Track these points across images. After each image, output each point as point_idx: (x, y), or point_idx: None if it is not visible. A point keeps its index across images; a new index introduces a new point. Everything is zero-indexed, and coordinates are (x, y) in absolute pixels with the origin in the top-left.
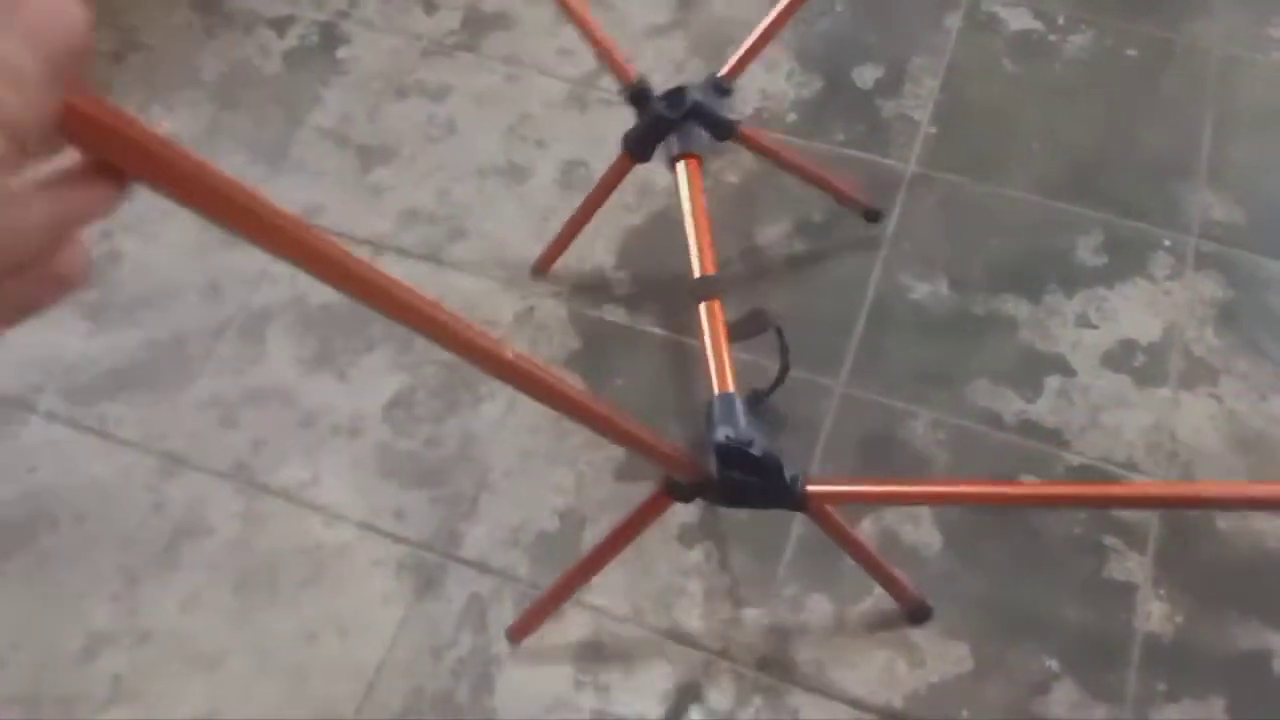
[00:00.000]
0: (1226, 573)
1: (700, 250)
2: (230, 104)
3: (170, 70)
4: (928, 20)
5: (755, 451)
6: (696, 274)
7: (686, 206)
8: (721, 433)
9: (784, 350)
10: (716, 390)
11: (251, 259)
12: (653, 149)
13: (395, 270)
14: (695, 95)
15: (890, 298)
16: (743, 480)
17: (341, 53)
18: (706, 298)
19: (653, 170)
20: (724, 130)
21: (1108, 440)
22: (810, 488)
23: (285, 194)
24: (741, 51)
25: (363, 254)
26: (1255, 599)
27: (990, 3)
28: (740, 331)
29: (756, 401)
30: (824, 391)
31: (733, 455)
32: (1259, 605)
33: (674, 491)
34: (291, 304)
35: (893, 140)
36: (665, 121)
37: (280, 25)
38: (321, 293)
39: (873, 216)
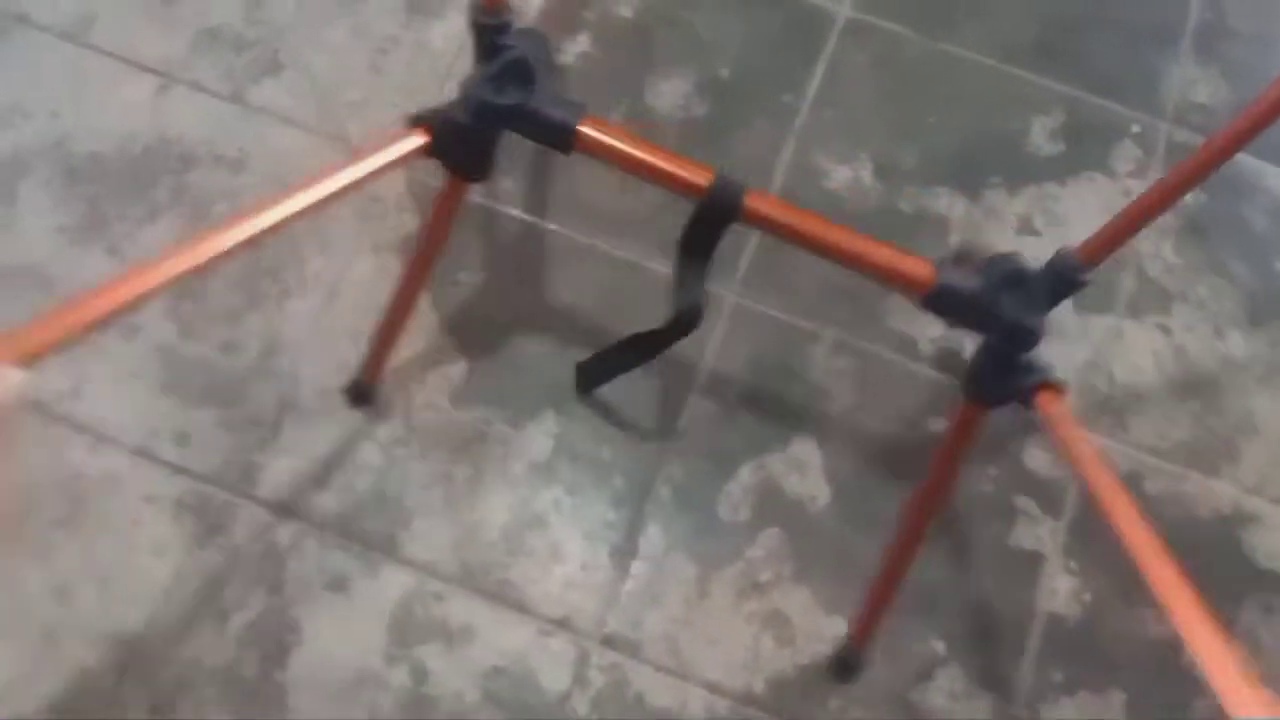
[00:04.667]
0: None
1: None
2: None
3: None
4: None
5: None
6: None
7: None
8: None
9: None
10: None
11: None
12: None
13: (187, 110)
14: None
15: (801, 185)
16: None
17: None
18: None
19: None
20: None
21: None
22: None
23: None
24: None
25: (145, 86)
26: None
27: None
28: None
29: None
30: (713, 301)
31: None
32: None
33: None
34: (52, 150)
35: None
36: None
37: None
38: (91, 137)
39: None
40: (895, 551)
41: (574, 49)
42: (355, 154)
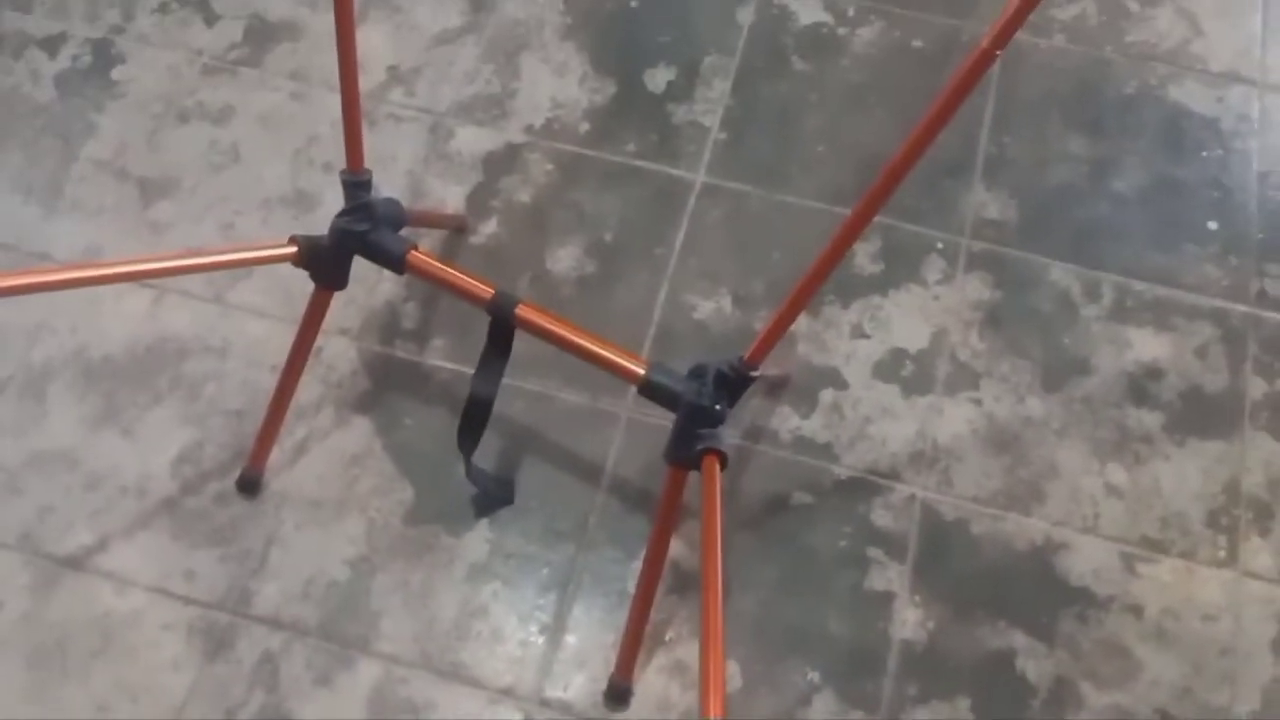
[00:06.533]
0: (977, 576)
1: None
2: (0, 139)
3: None
4: (721, 15)
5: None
6: None
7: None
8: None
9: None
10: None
11: (27, 310)
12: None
13: (179, 313)
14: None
15: (674, 318)
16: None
17: (117, 73)
18: None
19: (441, 182)
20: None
21: (874, 451)
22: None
23: (61, 237)
24: None
25: (143, 297)
26: (1002, 600)
27: None
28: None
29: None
30: (611, 418)
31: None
32: (1005, 606)
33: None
34: (73, 357)
35: (683, 149)
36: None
37: (51, 45)
38: (104, 343)
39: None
40: (638, 593)
41: (485, 230)
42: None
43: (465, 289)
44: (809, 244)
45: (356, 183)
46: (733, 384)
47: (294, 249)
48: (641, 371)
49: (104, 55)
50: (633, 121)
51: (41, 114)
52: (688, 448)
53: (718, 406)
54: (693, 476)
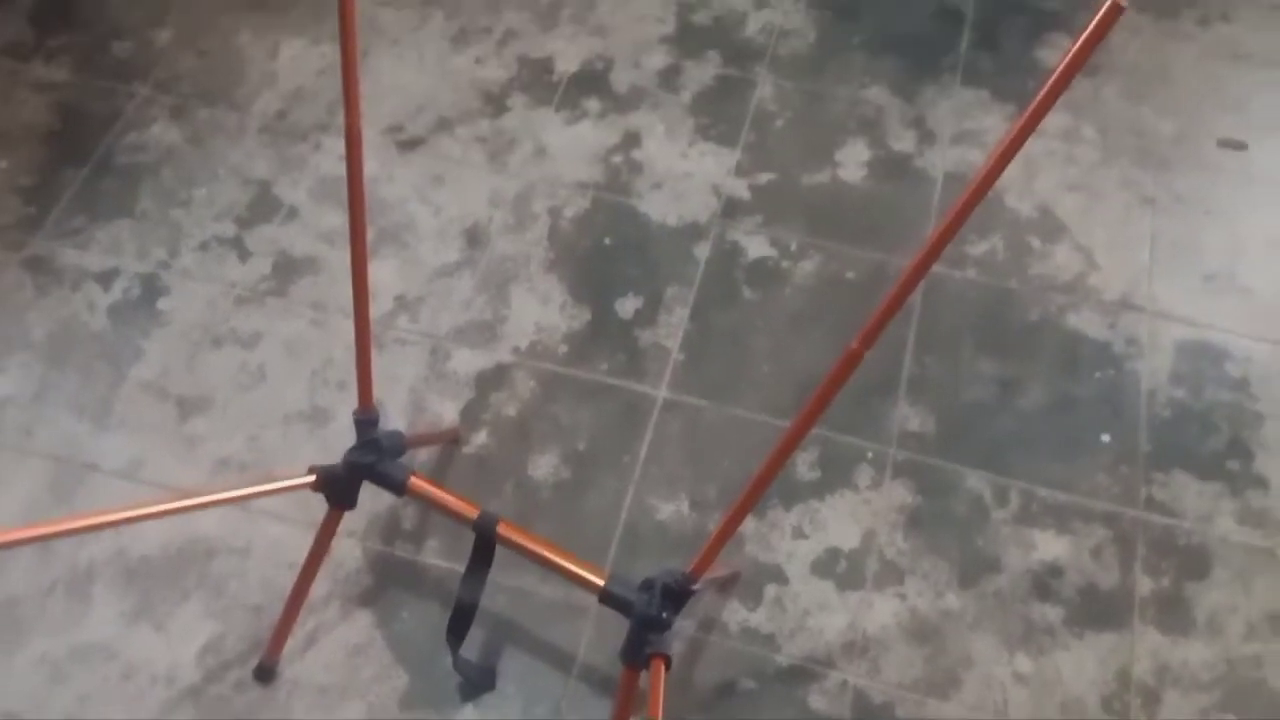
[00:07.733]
0: None
1: None
2: (58, 363)
3: (1, 332)
4: (681, 251)
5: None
6: None
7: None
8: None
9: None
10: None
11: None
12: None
13: (208, 517)
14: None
15: (639, 520)
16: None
17: (162, 304)
18: None
19: (438, 398)
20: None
21: (812, 641)
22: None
23: (108, 451)
24: None
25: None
26: None
27: (734, 232)
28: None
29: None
30: (581, 611)
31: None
32: None
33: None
34: (115, 557)
35: (648, 368)
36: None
37: (105, 279)
38: (143, 544)
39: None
40: None
41: (476, 441)
42: (270, 476)
43: (454, 510)
44: (756, 453)
45: (366, 421)
46: (677, 595)
47: (313, 478)
48: (600, 583)
49: (151, 288)
50: (605, 344)
51: (95, 341)
52: (639, 651)
53: (664, 615)
54: None
